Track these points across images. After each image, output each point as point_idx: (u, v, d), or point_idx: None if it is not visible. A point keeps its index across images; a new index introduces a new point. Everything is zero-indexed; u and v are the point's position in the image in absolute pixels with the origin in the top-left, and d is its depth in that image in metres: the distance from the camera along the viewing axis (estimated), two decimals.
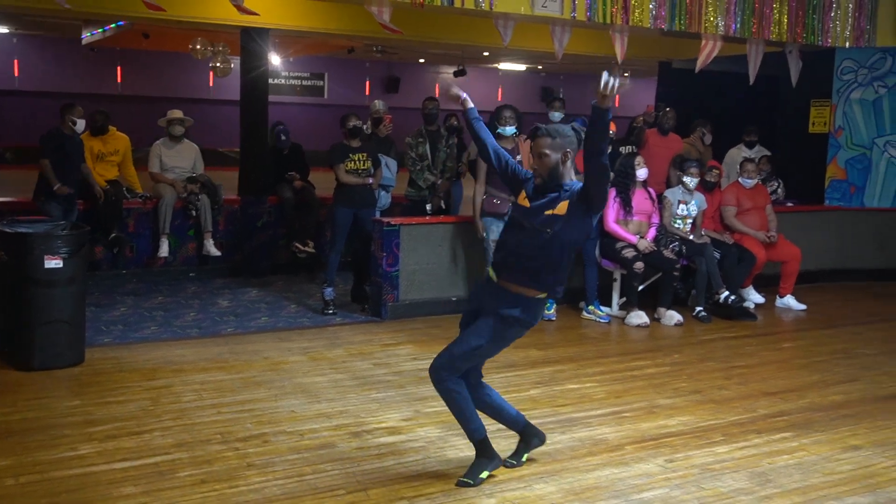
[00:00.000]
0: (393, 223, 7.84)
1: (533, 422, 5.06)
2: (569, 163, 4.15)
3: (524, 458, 4.47)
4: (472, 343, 4.17)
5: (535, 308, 4.20)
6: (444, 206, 8.95)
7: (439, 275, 8.04)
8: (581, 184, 4.10)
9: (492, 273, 4.22)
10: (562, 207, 4.08)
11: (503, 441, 4.58)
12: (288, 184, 9.68)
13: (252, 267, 9.65)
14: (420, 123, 8.93)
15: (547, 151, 4.11)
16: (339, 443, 4.69)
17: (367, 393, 5.60)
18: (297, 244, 9.50)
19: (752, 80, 9.62)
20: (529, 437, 4.50)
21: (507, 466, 4.38)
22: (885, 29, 10.21)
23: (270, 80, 11.07)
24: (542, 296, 4.16)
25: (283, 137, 9.65)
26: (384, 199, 8.96)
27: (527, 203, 4.20)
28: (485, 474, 4.20)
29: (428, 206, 8.71)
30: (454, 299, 8.07)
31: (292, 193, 9.64)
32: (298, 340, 6.95)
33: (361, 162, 7.84)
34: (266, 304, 8.28)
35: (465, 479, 4.16)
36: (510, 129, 7.56)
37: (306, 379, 5.88)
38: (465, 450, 4.61)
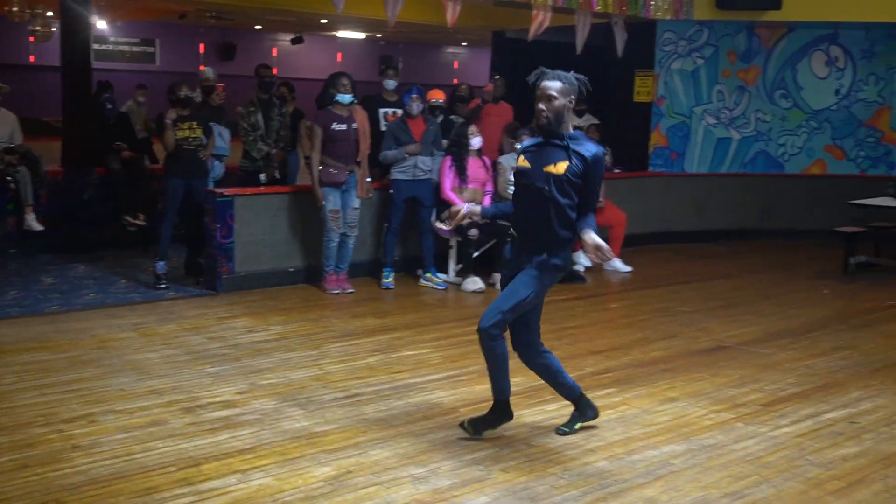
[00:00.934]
0: (227, 194, 7.67)
1: (369, 389, 5.15)
2: (570, 111, 4.28)
3: (577, 427, 4.58)
4: (520, 295, 4.27)
5: (567, 252, 4.36)
6: (278, 177, 8.83)
7: (276, 246, 7.95)
8: (591, 151, 4.19)
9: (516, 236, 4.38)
10: (560, 167, 4.18)
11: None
12: (116, 154, 9.29)
13: (78, 242, 9.24)
14: (254, 92, 8.75)
15: (555, 94, 4.21)
16: (171, 419, 4.60)
17: (200, 367, 5.50)
18: (126, 217, 9.17)
19: (578, 50, 9.91)
20: (584, 407, 4.63)
21: (559, 434, 4.53)
22: (702, 3, 10.75)
23: (97, 46, 10.61)
24: (569, 239, 4.30)
25: (110, 107, 9.26)
26: (218, 169, 8.75)
27: (527, 163, 4.30)
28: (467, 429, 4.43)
29: (262, 177, 8.57)
30: (291, 270, 8.01)
31: (120, 164, 9.28)
32: (129, 316, 6.74)
33: (192, 130, 7.62)
34: (94, 280, 7.96)
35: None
36: (347, 98, 7.53)
37: (137, 356, 5.72)
38: (299, 420, 4.62)
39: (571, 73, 4.36)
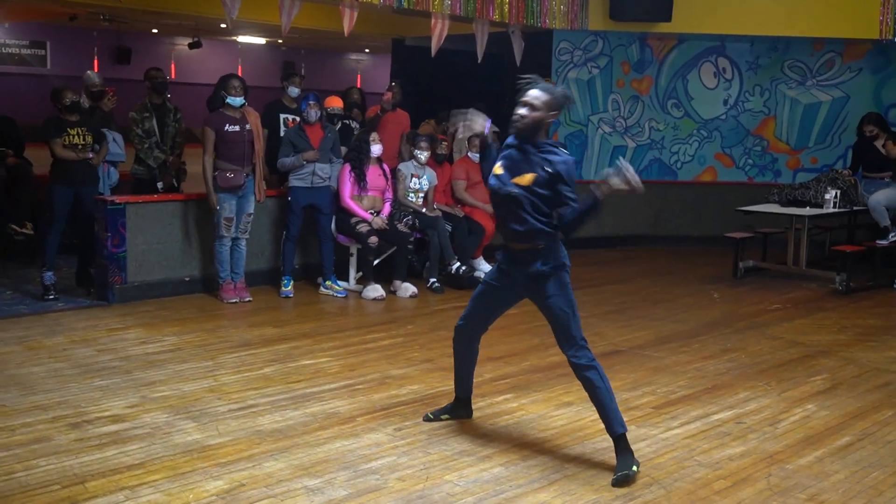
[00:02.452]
0: (118, 201, 7.47)
1: (265, 400, 5.08)
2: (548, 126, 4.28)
3: (442, 417, 4.80)
4: (567, 310, 4.29)
5: (560, 245, 4.36)
6: (176, 185, 8.65)
7: (170, 254, 7.77)
8: (557, 162, 4.16)
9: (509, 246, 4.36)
10: (527, 178, 4.18)
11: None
12: (0, 161, 8.94)
13: None
14: (145, 96, 8.52)
15: (538, 104, 4.18)
16: (56, 435, 4.44)
17: (89, 381, 5.33)
18: (12, 226, 8.83)
19: (479, 58, 10.00)
20: (461, 407, 4.81)
21: (424, 419, 4.79)
22: (596, 14, 10.99)
23: None
24: (554, 234, 4.31)
25: None
26: (114, 175, 8.52)
27: (500, 170, 4.29)
28: (635, 468, 4.12)
29: (159, 185, 8.37)
30: (187, 279, 7.84)
31: (5, 171, 8.93)
32: (13, 329, 6.49)
33: (80, 136, 7.39)
34: None
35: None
36: (238, 101, 7.42)
37: (21, 370, 5.50)
38: (192, 433, 4.52)
39: (561, 89, 4.38)
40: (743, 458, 4.43)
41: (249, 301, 7.63)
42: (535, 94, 4.23)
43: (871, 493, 4.05)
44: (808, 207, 9.35)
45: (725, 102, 11.69)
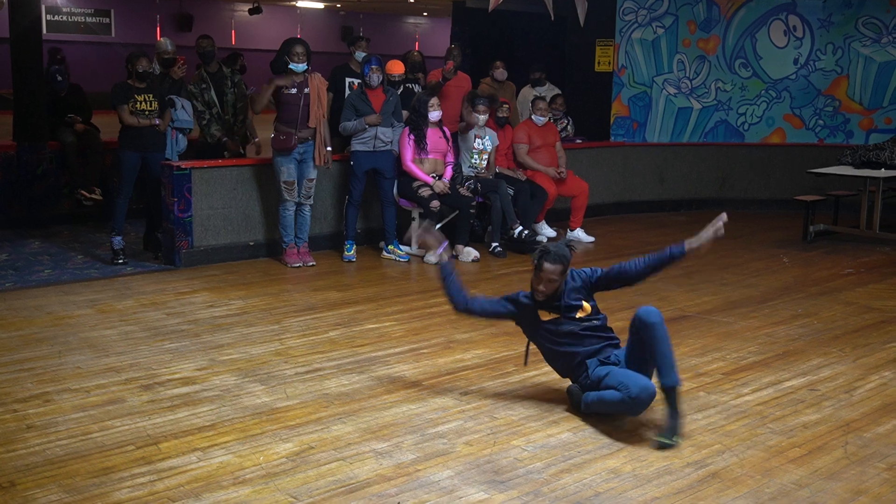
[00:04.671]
0: (183, 167, 7.54)
1: (331, 363, 5.10)
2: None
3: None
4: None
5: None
6: (242, 151, 8.69)
7: (235, 219, 7.84)
8: (576, 280, 4.45)
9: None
10: (587, 307, 4.46)
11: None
12: (69, 127, 9.09)
13: (32, 217, 9.05)
14: (198, 66, 8.50)
15: (555, 277, 4.33)
16: (129, 397, 4.52)
17: (159, 344, 5.41)
18: (82, 191, 8.99)
19: (552, 17, 9.68)
20: None
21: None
22: None
23: (50, 17, 10.32)
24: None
25: (60, 78, 9.04)
26: (182, 142, 8.59)
27: (553, 314, 4.45)
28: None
29: (226, 154, 8.42)
30: (251, 244, 7.91)
31: (74, 138, 9.08)
32: (85, 293, 6.61)
33: (148, 103, 7.46)
34: (49, 256, 7.81)
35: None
36: (301, 66, 7.40)
37: (93, 333, 5.61)
38: (260, 396, 4.57)
39: (563, 242, 4.50)
40: (818, 426, 4.33)
41: (313, 265, 7.67)
42: (549, 269, 4.32)
43: None
44: (882, 169, 9.06)
45: (795, 62, 11.33)
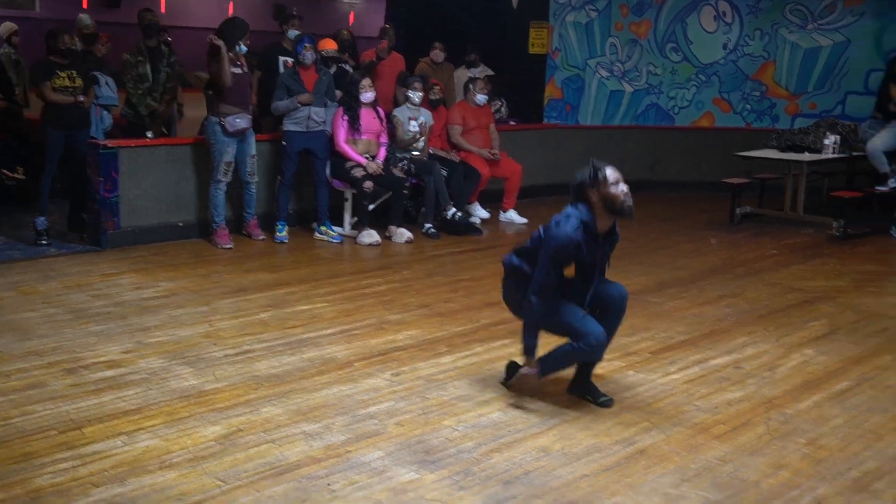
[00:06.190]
0: (110, 146, 7.36)
1: (262, 345, 5.05)
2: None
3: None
4: None
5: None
6: (166, 132, 8.52)
7: (164, 200, 7.68)
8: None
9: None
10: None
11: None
12: None
13: None
14: (140, 39, 8.34)
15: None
16: (52, 381, 4.40)
17: (84, 327, 5.29)
18: (4, 171, 8.72)
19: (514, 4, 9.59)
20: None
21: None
22: None
23: None
24: None
25: None
26: (107, 119, 8.39)
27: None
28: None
29: (149, 134, 8.24)
30: (181, 225, 7.76)
31: None
32: (7, 275, 6.42)
33: (71, 80, 7.25)
34: None
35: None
36: (245, 49, 7.44)
37: (15, 315, 5.46)
38: (188, 378, 4.50)
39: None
40: (742, 403, 4.43)
41: (263, 239, 7.74)
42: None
43: (870, 437, 4.05)
44: (806, 153, 9.27)
45: (725, 46, 11.51)
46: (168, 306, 5.78)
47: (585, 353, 4.24)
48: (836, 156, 9.23)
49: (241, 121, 7.37)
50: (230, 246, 7.50)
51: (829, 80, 11.34)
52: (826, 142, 9.20)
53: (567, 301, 4.28)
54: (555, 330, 4.33)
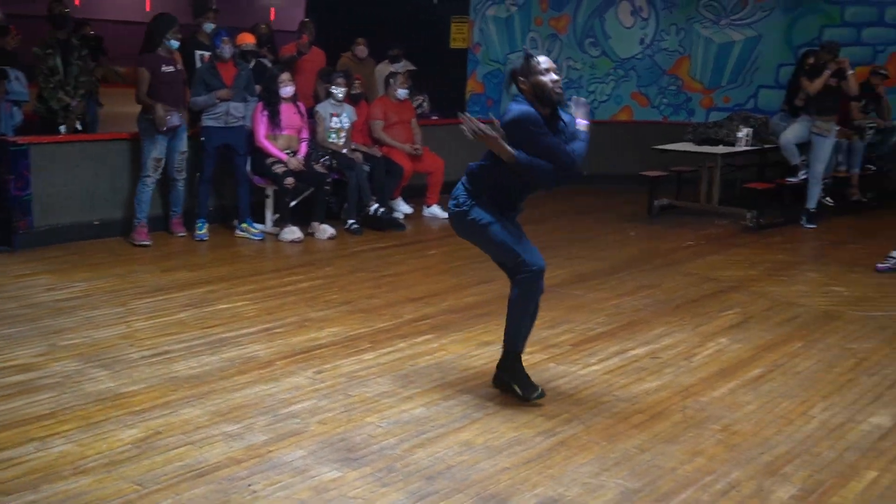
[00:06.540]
0: (21, 142, 7.15)
1: (181, 345, 4.98)
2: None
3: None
4: None
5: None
6: (80, 128, 8.30)
7: (79, 198, 7.49)
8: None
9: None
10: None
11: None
12: None
13: None
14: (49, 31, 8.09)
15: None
16: None
17: None
18: None
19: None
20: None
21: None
22: None
23: None
24: None
25: None
26: (17, 116, 8.15)
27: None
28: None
29: (62, 129, 8.02)
30: (97, 223, 7.58)
31: None
32: None
33: None
34: None
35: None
36: (178, 43, 7.47)
37: None
38: (104, 381, 4.40)
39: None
40: (659, 392, 4.52)
41: (183, 237, 7.69)
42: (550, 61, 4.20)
43: (781, 422, 4.17)
44: (720, 146, 9.50)
45: (642, 41, 11.73)
46: (83, 307, 5.64)
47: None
48: (748, 148, 9.48)
49: (173, 118, 7.30)
50: (148, 243, 7.36)
51: (742, 75, 11.65)
52: (739, 135, 9.45)
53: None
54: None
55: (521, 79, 4.17)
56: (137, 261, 6.99)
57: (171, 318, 5.50)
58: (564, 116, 4.31)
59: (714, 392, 4.55)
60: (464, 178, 4.39)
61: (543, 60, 4.16)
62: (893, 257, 7.19)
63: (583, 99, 4.46)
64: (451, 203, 4.40)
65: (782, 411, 4.31)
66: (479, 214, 4.27)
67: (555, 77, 4.13)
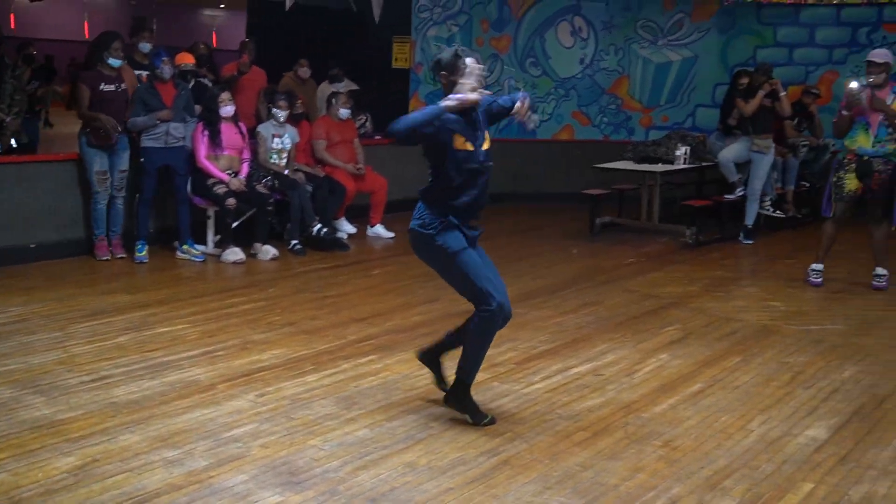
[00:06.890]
0: None
1: (120, 370, 4.90)
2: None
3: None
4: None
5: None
6: (14, 146, 8.14)
7: (17, 220, 7.34)
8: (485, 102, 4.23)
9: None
10: (488, 142, 4.32)
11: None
12: None
13: None
14: None
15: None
16: None
17: None
18: None
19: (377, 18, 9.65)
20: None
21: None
22: None
23: None
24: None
25: None
26: None
27: (469, 146, 4.15)
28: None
29: None
30: (33, 246, 7.43)
31: None
32: None
33: None
34: None
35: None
36: (118, 62, 7.40)
37: None
38: (40, 408, 4.31)
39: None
40: (602, 409, 4.56)
41: (123, 258, 7.61)
42: (476, 63, 4.17)
43: (720, 436, 4.24)
44: (659, 164, 9.66)
45: (581, 61, 11.89)
46: (19, 332, 5.52)
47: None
48: (687, 166, 9.65)
49: (106, 136, 7.29)
50: (108, 258, 7.53)
51: (680, 94, 11.87)
52: (677, 153, 9.62)
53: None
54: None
55: (444, 73, 4.18)
56: (75, 284, 6.86)
57: (109, 342, 5.41)
58: (485, 101, 4.27)
59: (655, 408, 4.60)
60: (420, 202, 4.34)
61: (470, 62, 4.14)
62: (817, 270, 7.38)
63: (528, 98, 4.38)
64: (415, 223, 4.29)
65: (722, 426, 4.38)
66: (447, 241, 4.19)
67: (473, 84, 4.11)
